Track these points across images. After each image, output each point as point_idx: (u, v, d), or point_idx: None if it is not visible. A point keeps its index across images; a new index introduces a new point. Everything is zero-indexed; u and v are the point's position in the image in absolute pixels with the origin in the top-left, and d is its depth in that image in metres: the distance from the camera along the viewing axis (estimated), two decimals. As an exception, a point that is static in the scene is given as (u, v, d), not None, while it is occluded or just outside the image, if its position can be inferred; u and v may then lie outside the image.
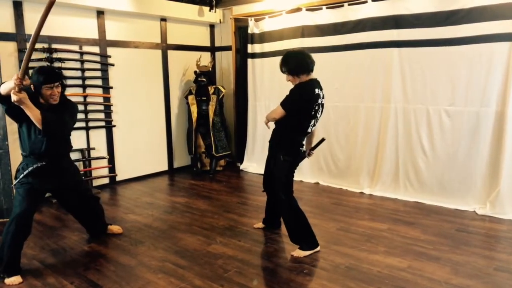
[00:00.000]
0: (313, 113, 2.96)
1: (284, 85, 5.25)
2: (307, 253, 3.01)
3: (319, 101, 2.97)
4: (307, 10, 4.96)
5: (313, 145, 3.33)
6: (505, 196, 3.76)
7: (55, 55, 4.37)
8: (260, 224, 3.59)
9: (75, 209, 3.26)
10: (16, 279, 2.69)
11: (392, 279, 2.63)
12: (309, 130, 3.08)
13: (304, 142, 3.16)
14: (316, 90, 2.94)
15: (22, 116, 2.63)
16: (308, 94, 2.92)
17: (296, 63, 2.95)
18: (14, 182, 2.86)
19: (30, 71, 3.84)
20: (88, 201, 3.25)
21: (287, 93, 2.99)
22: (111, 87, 4.97)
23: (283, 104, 2.97)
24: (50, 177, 2.89)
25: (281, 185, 3.07)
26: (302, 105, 2.93)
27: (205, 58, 6.03)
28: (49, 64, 4.29)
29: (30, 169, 2.79)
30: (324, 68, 4.37)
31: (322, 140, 3.32)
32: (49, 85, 2.69)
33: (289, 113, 2.95)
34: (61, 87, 2.78)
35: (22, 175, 2.79)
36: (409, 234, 3.39)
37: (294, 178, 3.15)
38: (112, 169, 5.10)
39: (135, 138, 5.33)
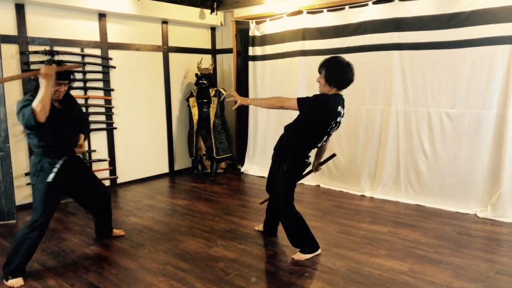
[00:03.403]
0: (328, 129, 2.86)
1: (285, 88, 5.34)
2: (308, 256, 3.00)
3: (338, 119, 2.85)
4: (308, 13, 4.97)
5: (322, 160, 3.30)
6: (506, 199, 3.75)
7: (56, 58, 4.38)
8: (261, 227, 3.58)
9: (90, 204, 3.25)
10: (18, 281, 2.68)
11: (393, 282, 2.63)
12: (318, 144, 3.01)
13: (310, 154, 3.06)
14: (339, 108, 2.81)
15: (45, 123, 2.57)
16: (330, 109, 2.77)
17: (338, 76, 2.78)
18: (33, 179, 2.77)
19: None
20: (102, 195, 3.25)
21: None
22: (112, 90, 4.97)
23: (301, 101, 2.75)
24: (71, 171, 2.88)
25: (281, 194, 3.02)
26: (319, 116, 2.80)
27: (206, 61, 6.04)
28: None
29: (61, 162, 2.77)
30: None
31: (333, 156, 3.29)
32: (60, 81, 2.71)
33: (302, 113, 2.81)
34: (67, 87, 2.83)
35: (54, 173, 2.74)
36: (410, 237, 3.39)
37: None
38: (113, 171, 5.10)
39: (136, 140, 5.34)
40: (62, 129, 2.81)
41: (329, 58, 2.87)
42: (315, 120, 2.84)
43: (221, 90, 5.73)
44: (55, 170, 2.75)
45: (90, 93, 4.77)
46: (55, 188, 2.77)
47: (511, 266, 2.84)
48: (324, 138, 2.96)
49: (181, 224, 3.80)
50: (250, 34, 5.60)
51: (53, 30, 4.41)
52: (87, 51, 4.72)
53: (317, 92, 2.90)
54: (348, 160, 4.83)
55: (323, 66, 2.82)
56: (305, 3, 5.02)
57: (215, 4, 5.75)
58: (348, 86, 2.85)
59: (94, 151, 4.86)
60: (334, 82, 2.80)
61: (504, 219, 3.71)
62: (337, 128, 2.93)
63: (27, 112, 2.44)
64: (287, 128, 3.07)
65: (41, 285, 2.67)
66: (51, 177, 2.74)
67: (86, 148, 2.63)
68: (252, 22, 5.56)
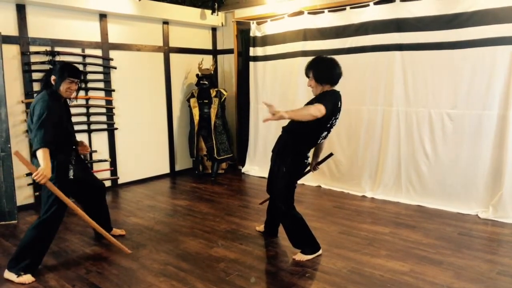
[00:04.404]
0: (328, 125, 2.87)
1: (285, 88, 5.34)
2: (309, 257, 3.00)
3: (337, 114, 2.88)
4: (309, 13, 4.97)
5: (319, 159, 3.30)
6: (507, 200, 3.75)
7: (57, 58, 4.38)
8: (262, 227, 3.58)
9: (87, 198, 3.27)
10: (28, 278, 2.70)
11: (394, 283, 2.63)
12: (318, 141, 3.02)
13: (309, 154, 3.07)
14: (339, 103, 2.85)
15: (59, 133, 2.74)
16: (334, 105, 2.80)
17: (327, 72, 2.81)
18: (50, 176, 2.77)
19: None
20: (98, 187, 3.29)
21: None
22: (113, 90, 4.98)
23: (325, 103, 2.65)
24: (76, 166, 2.99)
25: (281, 196, 3.02)
26: (328, 114, 2.75)
27: (207, 61, 6.05)
28: (51, 67, 4.31)
29: (74, 158, 2.92)
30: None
31: (330, 155, 3.28)
32: (72, 79, 2.78)
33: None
34: (77, 87, 2.90)
35: (71, 169, 2.87)
36: (411, 237, 3.38)
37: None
38: (114, 172, 5.10)
39: (137, 141, 5.34)
40: (68, 126, 2.95)
41: (312, 60, 2.90)
42: (324, 118, 2.80)
43: (222, 90, 5.73)
44: (71, 166, 2.84)
45: (91, 93, 4.78)
46: (67, 183, 2.85)
47: (513, 267, 2.84)
48: (324, 135, 2.97)
49: (182, 224, 3.80)
50: (251, 34, 5.61)
51: (54, 30, 4.42)
52: (88, 51, 4.72)
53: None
54: (349, 160, 4.83)
55: (310, 69, 2.87)
56: (306, 3, 5.02)
57: (216, 5, 5.76)
58: (339, 79, 2.88)
59: (95, 151, 4.87)
60: (325, 81, 2.84)
61: (505, 220, 3.71)
62: (335, 123, 2.95)
63: (40, 135, 2.58)
64: (285, 128, 3.06)
65: (43, 285, 2.68)
66: (71, 173, 2.84)
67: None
68: (253, 23, 5.56)
